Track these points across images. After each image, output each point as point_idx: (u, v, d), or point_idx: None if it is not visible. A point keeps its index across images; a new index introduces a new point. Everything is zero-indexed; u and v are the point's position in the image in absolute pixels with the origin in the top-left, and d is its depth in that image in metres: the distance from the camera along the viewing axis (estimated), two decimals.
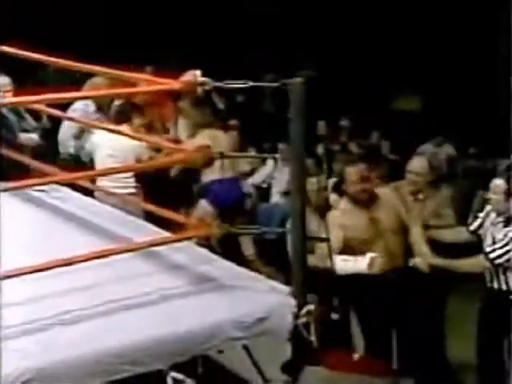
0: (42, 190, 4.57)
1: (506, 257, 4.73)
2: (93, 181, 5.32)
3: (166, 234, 4.25)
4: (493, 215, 4.96)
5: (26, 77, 5.04)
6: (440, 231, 5.29)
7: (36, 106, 5.23)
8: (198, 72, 4.24)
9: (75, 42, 6.48)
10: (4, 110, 5.34)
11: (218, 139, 6.30)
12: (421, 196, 5.55)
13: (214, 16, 9.77)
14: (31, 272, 3.42)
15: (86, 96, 5.02)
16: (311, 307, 3.55)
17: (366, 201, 5.25)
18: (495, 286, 4.90)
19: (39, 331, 3.22)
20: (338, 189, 7.53)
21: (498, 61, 9.65)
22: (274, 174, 8.16)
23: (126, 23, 9.18)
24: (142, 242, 3.95)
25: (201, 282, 3.69)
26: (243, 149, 8.07)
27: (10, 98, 4.17)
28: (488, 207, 5.04)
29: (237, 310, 3.45)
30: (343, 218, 5.24)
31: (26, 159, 4.95)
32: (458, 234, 5.19)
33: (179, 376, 3.25)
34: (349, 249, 5.16)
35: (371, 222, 5.18)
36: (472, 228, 5.12)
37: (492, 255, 4.78)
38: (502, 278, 4.84)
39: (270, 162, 8.27)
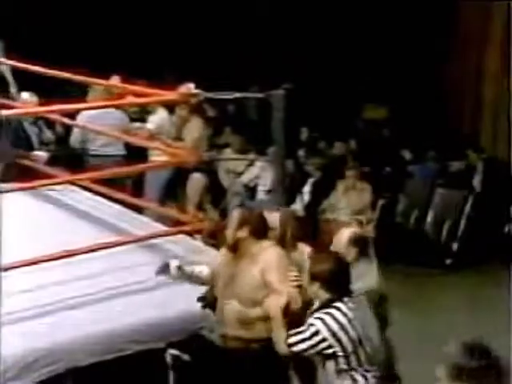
0: (54, 190, 4.67)
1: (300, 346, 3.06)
2: None
3: (165, 228, 4.34)
4: None
5: (54, 92, 5.18)
6: None
7: (51, 116, 5.48)
8: (192, 85, 4.45)
9: (80, 58, 6.52)
10: (26, 124, 5.55)
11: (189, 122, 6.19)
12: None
13: (206, 37, 9.88)
14: (40, 262, 3.50)
15: (90, 107, 5.17)
16: None
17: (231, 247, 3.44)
18: None
19: (46, 315, 3.28)
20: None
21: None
22: (260, 174, 8.20)
23: (126, 40, 9.27)
24: (140, 236, 4.05)
25: None
26: (246, 150, 8.15)
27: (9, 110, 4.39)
28: None
29: None
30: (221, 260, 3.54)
31: (38, 166, 5.13)
32: None
33: (177, 352, 3.33)
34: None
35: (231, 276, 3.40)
36: None
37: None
38: None
39: (258, 164, 8.33)
